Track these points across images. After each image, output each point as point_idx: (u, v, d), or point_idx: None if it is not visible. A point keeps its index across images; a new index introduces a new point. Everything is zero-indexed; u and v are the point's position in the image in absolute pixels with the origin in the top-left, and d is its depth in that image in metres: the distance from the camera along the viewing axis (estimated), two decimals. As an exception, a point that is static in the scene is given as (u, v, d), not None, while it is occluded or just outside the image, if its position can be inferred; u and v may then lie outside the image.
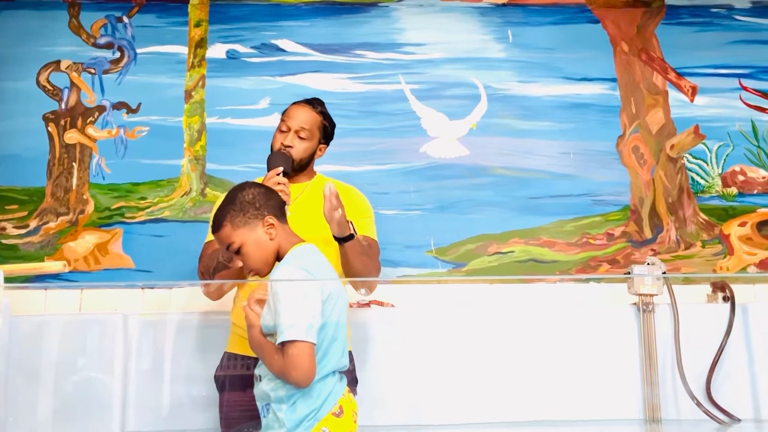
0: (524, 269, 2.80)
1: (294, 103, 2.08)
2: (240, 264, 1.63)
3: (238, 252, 1.60)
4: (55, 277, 2.63)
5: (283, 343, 1.49)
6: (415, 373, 2.21)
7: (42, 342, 2.17)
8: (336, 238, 1.81)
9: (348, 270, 1.88)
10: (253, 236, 1.59)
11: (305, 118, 2.02)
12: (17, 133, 2.82)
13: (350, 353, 1.96)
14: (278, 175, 1.88)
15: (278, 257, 1.63)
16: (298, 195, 2.00)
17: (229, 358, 1.95)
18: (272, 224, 1.62)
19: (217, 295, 1.96)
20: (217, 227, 1.63)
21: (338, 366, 1.61)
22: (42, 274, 2.56)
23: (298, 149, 1.99)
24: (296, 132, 2.00)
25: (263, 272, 1.63)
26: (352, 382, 1.94)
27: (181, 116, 2.89)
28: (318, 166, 2.17)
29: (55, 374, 2.11)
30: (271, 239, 1.60)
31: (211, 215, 1.76)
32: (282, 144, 1.99)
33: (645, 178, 2.94)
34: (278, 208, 1.66)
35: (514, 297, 2.68)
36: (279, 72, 2.96)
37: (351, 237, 1.80)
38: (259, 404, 1.60)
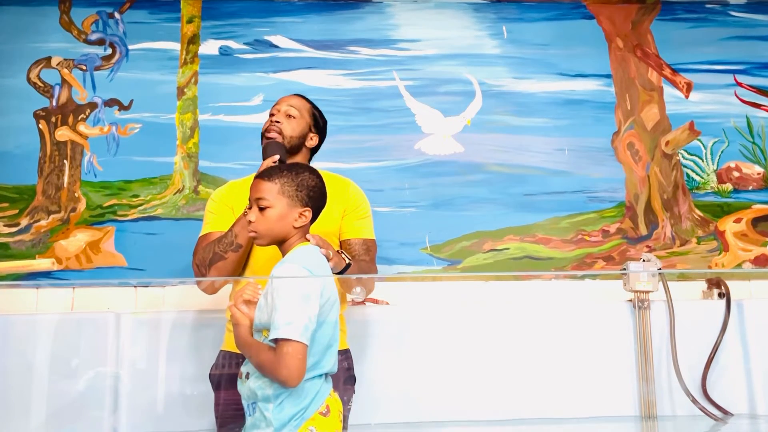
0: (519, 266, 2.79)
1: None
2: (249, 217, 1.64)
3: (261, 209, 1.62)
4: (47, 275, 2.61)
5: (276, 340, 1.48)
6: (410, 370, 2.21)
7: (33, 341, 2.15)
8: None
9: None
10: (284, 209, 1.62)
11: (294, 101, 2.04)
12: (8, 130, 2.80)
13: (348, 351, 1.95)
14: (274, 163, 1.86)
15: (283, 244, 1.64)
16: None
17: (225, 357, 1.94)
18: (306, 217, 1.64)
19: (212, 289, 1.95)
20: (265, 178, 1.64)
21: (329, 372, 1.59)
22: (31, 271, 2.54)
23: (286, 127, 1.98)
24: (285, 113, 1.99)
25: (263, 240, 1.64)
26: (350, 379, 1.93)
27: (174, 113, 2.86)
28: (312, 164, 2.15)
29: (46, 374, 2.09)
30: (293, 225, 1.63)
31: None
32: (270, 121, 1.97)
33: (640, 175, 2.93)
34: (319, 212, 1.70)
35: (509, 294, 2.67)
36: (272, 68, 2.94)
37: (348, 266, 1.81)
38: (244, 402, 1.58)
